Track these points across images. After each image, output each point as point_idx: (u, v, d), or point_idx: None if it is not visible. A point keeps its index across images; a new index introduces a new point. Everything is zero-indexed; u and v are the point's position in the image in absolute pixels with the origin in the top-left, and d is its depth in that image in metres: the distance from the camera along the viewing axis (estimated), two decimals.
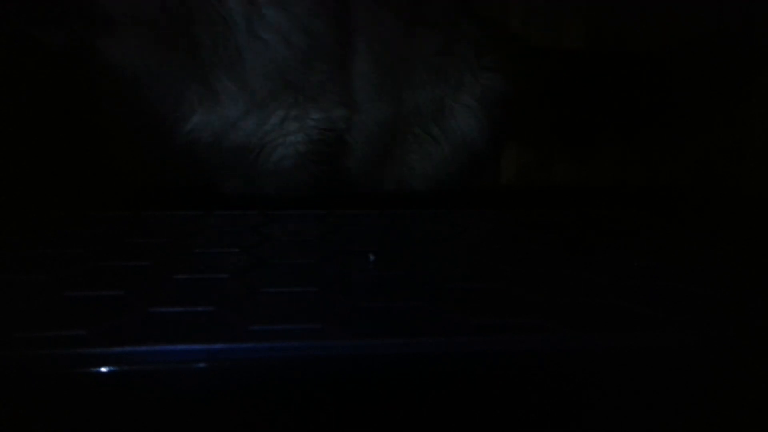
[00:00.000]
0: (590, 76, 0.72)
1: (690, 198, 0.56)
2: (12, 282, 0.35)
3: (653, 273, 0.38)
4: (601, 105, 0.73)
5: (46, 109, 0.59)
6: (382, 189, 0.68)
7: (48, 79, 0.59)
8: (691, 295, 0.34)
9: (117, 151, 0.68)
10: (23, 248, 0.42)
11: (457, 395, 0.27)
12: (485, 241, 0.49)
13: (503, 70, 0.67)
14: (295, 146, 0.61)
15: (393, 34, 0.64)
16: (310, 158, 0.62)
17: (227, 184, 0.65)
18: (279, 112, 0.59)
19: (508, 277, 0.36)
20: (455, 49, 0.67)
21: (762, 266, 0.41)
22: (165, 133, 0.57)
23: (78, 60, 0.64)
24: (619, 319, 0.30)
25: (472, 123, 0.68)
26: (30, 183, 0.54)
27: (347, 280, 0.36)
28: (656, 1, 0.72)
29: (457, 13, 0.69)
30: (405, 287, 0.35)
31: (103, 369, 0.25)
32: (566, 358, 0.28)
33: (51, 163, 0.59)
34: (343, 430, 0.26)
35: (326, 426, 0.26)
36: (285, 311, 0.30)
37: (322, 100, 0.61)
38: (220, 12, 0.54)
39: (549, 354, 0.28)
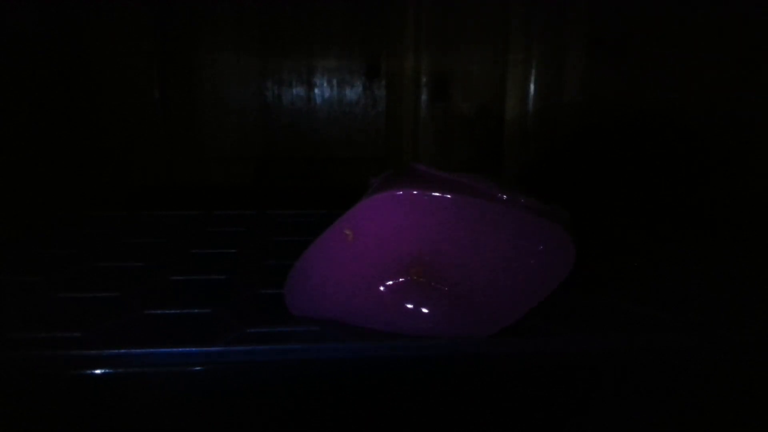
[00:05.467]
0: None
1: (688, 198, 0.56)
2: (6, 283, 0.34)
3: (653, 273, 0.38)
4: None
5: (42, 108, 0.59)
6: None
7: (45, 78, 0.59)
8: (691, 295, 0.34)
9: (114, 151, 0.68)
10: (18, 249, 0.42)
11: (457, 397, 0.27)
12: None
13: None
14: None
15: None
16: None
17: None
18: None
19: None
20: None
21: (762, 266, 0.40)
22: None
23: (77, 61, 0.64)
24: (619, 319, 0.30)
25: None
26: (24, 184, 0.54)
27: None
28: None
29: None
30: None
31: (98, 371, 0.24)
32: (567, 359, 0.28)
33: (46, 163, 0.59)
34: None
35: (325, 428, 0.26)
36: (283, 313, 0.30)
37: None
38: None
39: (550, 355, 0.27)
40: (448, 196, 0.26)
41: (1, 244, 0.44)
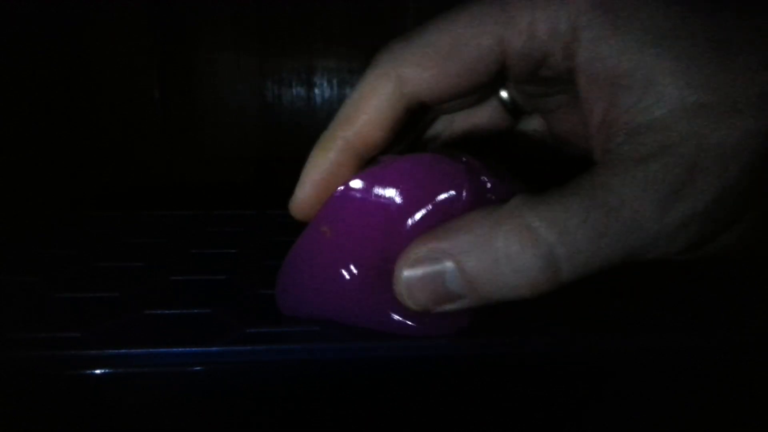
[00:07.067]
0: None
1: None
2: (5, 283, 0.34)
3: (654, 273, 0.38)
4: None
5: (42, 108, 0.59)
6: None
7: (45, 78, 0.59)
8: (691, 295, 0.34)
9: (114, 151, 0.68)
10: (18, 249, 0.42)
11: (457, 397, 0.27)
12: None
13: None
14: None
15: None
16: None
17: None
18: None
19: None
20: None
21: (762, 266, 0.40)
22: None
23: (77, 61, 0.64)
24: (619, 319, 0.30)
25: None
26: (24, 184, 0.54)
27: None
28: None
29: None
30: None
31: (97, 371, 0.24)
32: (567, 359, 0.28)
33: (46, 163, 0.59)
34: None
35: (325, 428, 0.26)
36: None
37: None
38: None
39: (550, 355, 0.27)
40: (401, 185, 0.25)
41: (1, 244, 0.44)
